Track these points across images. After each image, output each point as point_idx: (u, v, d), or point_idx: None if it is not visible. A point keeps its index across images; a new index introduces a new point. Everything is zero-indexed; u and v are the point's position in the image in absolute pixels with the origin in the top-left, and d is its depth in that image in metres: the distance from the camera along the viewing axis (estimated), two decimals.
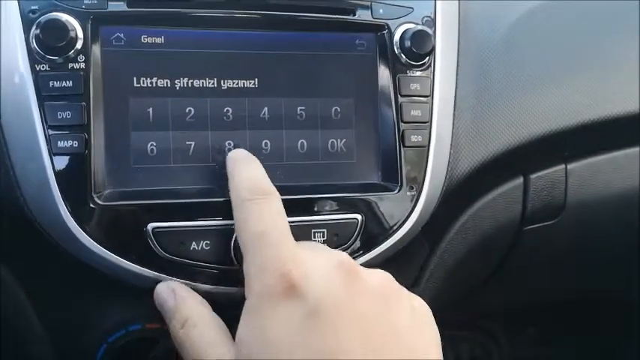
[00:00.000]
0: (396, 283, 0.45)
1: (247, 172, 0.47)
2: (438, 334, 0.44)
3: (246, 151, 0.49)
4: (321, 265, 0.43)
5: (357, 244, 0.52)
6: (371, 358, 0.39)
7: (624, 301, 0.98)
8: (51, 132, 0.46)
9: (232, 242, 0.48)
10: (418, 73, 0.55)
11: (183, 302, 0.45)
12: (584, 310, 1.03)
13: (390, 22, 0.55)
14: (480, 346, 1.11)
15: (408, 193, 0.54)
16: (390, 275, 0.45)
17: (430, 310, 0.45)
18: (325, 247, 0.48)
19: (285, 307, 0.40)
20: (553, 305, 1.01)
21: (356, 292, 0.42)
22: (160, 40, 0.50)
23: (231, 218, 0.47)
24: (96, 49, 0.48)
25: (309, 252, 0.44)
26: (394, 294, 0.44)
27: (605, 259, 0.79)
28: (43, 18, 0.47)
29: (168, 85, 0.50)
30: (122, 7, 0.49)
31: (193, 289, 0.47)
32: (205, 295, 0.48)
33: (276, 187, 0.50)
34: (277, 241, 0.43)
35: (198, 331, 0.43)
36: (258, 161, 0.49)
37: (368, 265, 0.52)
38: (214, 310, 0.47)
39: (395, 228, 0.53)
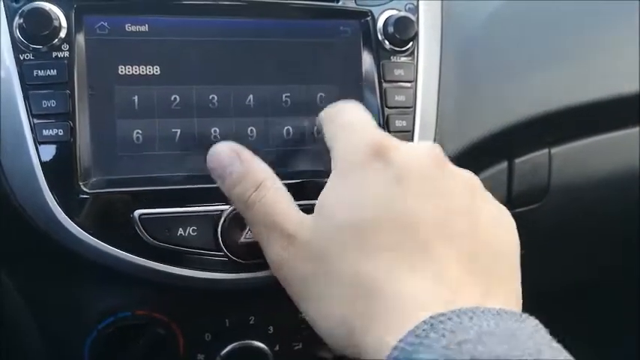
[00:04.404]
0: (483, 187, 0.44)
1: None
2: (519, 246, 0.42)
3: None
4: (412, 145, 0.43)
5: None
6: (443, 240, 0.38)
7: (612, 286, 0.99)
8: (36, 121, 0.46)
9: (219, 228, 0.48)
10: (402, 59, 0.55)
11: (252, 164, 0.44)
12: (573, 297, 1.04)
13: (373, 9, 0.55)
14: None
15: None
16: (478, 179, 0.44)
17: (515, 224, 0.43)
18: None
19: (373, 171, 0.40)
20: (542, 293, 1.02)
21: (442, 174, 0.41)
22: (144, 28, 0.50)
23: (217, 204, 0.48)
24: (80, 38, 0.48)
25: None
26: (481, 192, 0.43)
27: (591, 244, 0.80)
28: (26, 7, 0.47)
29: (153, 73, 0.50)
30: None
31: (180, 276, 0.48)
32: (192, 281, 0.48)
33: None
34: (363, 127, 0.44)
35: (273, 192, 0.42)
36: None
37: None
38: (199, 298, 0.47)
39: None
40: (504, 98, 0.63)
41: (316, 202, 0.50)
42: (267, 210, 0.42)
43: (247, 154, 0.45)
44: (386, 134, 0.44)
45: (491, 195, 0.44)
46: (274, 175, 0.44)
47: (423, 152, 0.42)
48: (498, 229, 0.41)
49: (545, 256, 0.80)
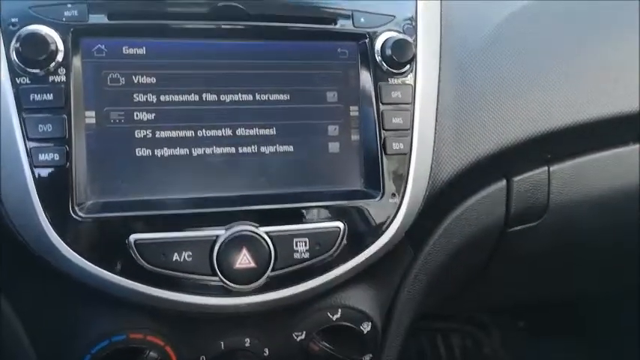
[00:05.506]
0: None
1: None
2: None
3: None
4: None
5: (340, 251, 0.52)
6: None
7: (611, 300, 0.99)
8: (32, 145, 0.46)
9: (215, 253, 0.48)
10: (399, 81, 0.55)
11: None
12: (573, 311, 1.04)
13: (371, 31, 0.55)
14: (471, 337, 1.12)
15: (391, 200, 0.54)
16: None
17: None
18: None
19: None
20: (542, 307, 1.02)
21: None
22: (142, 51, 0.50)
23: (213, 228, 0.48)
24: (77, 62, 0.48)
25: None
26: None
27: (590, 260, 0.80)
28: (23, 31, 0.47)
29: (149, 97, 0.50)
30: (103, 19, 0.49)
31: (175, 301, 0.48)
32: (188, 306, 0.48)
33: (260, 195, 0.50)
34: None
35: None
36: None
37: (353, 270, 0.52)
38: (194, 321, 0.46)
39: (378, 235, 0.54)
40: (503, 118, 0.62)
41: (309, 226, 0.51)
42: None
43: None
44: None
45: None
46: None
47: None
48: None
49: (545, 271, 0.80)
